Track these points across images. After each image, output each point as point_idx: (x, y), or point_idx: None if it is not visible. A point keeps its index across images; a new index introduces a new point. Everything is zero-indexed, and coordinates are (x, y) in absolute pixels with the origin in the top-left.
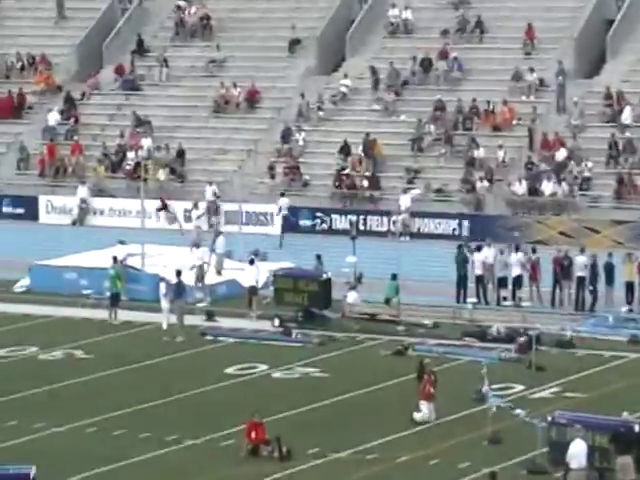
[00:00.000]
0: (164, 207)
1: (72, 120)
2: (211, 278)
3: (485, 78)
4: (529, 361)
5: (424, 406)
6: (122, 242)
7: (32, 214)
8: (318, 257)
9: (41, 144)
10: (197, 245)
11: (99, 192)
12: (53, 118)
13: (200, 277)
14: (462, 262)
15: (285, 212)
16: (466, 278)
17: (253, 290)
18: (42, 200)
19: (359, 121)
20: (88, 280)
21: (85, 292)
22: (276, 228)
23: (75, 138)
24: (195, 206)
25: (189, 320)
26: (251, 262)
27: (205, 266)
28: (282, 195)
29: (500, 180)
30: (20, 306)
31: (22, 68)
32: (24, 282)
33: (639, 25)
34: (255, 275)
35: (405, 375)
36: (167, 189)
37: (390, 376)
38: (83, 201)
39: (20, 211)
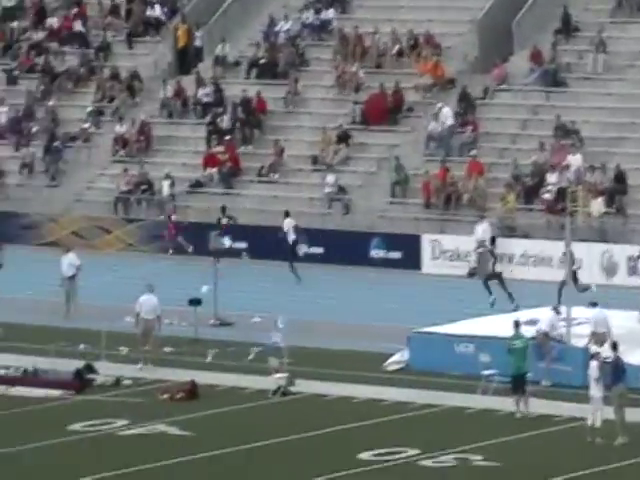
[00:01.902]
0: None
1: (469, 128)
2: None
3: None
4: None
5: None
6: (556, 309)
7: (412, 260)
8: None
9: (425, 161)
10: None
11: (507, 231)
12: (442, 123)
13: None
14: None
15: None
16: None
17: None
18: (426, 241)
19: None
20: (490, 355)
21: (486, 373)
22: None
23: (473, 153)
24: None
25: (632, 414)
26: None
27: None
28: None
29: None
30: (393, 390)
31: (400, 54)
32: (400, 357)
33: None
34: None
35: None
36: (602, 228)
37: None
38: (483, 243)
39: (395, 255)
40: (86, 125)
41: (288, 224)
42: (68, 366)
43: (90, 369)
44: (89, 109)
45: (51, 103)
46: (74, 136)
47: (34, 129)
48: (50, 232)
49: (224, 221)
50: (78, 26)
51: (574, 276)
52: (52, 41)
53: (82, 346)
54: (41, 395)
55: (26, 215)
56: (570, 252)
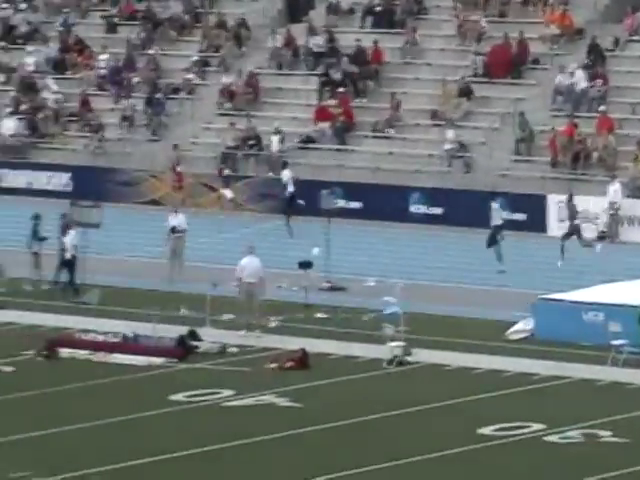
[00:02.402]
0: None
1: (598, 82)
2: None
3: None
4: None
5: None
6: None
7: (537, 222)
8: None
9: (551, 117)
10: None
11: (637, 192)
12: (574, 76)
13: None
14: None
15: None
16: None
17: None
18: (552, 202)
19: None
20: (620, 324)
21: (616, 343)
22: None
23: (602, 109)
24: None
25: None
26: None
27: None
28: None
29: None
30: (517, 360)
31: (525, 2)
32: (524, 325)
33: None
34: None
35: None
36: None
37: None
38: (613, 205)
39: (520, 217)
40: (190, 76)
41: (286, 175)
42: (170, 332)
43: (194, 336)
44: (193, 59)
45: (153, 52)
46: (177, 87)
47: (135, 80)
48: (151, 189)
49: None
50: None
51: (578, 231)
52: None
53: (183, 310)
54: (142, 363)
55: (125, 171)
56: (572, 205)
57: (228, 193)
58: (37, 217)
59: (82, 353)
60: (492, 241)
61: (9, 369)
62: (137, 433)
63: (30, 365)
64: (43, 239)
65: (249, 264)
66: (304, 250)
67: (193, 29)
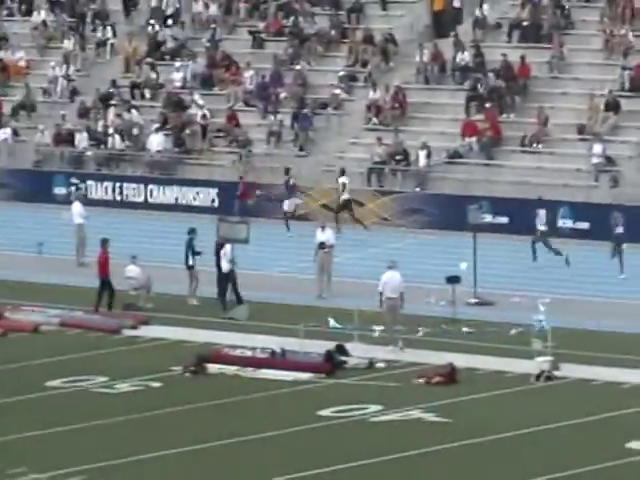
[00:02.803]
0: None
1: None
2: None
3: None
4: None
5: None
6: None
7: None
8: None
9: None
10: None
11: None
12: None
13: None
14: None
15: None
16: None
17: None
18: None
19: None
20: None
21: None
22: None
23: None
24: None
25: None
26: None
27: None
28: None
29: None
30: None
31: None
32: None
33: None
34: None
35: None
36: None
37: None
38: None
39: None
40: (337, 91)
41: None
42: (318, 347)
43: (342, 351)
44: (340, 74)
45: (300, 67)
46: (324, 103)
47: (282, 95)
48: (299, 205)
49: None
50: None
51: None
52: (301, 2)
53: (331, 321)
54: (289, 378)
55: (273, 186)
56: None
57: (292, 203)
58: (193, 231)
59: (230, 369)
60: (616, 251)
61: (157, 385)
62: (286, 449)
63: (178, 381)
64: (198, 254)
65: (391, 279)
66: (452, 265)
67: (340, 44)
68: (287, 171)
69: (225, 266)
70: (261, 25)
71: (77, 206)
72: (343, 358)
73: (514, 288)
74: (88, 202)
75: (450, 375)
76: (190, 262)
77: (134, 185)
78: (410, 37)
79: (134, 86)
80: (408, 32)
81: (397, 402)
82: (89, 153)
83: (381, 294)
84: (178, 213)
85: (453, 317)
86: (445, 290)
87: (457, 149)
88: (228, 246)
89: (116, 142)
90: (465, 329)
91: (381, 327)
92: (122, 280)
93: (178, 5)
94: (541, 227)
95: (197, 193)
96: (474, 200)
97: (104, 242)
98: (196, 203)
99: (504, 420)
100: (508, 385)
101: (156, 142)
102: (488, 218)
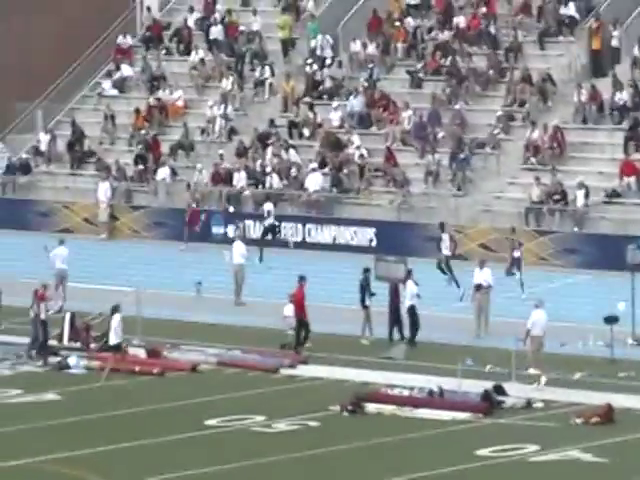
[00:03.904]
0: None
1: None
2: None
3: None
4: None
5: None
6: None
7: None
8: None
9: None
10: None
11: None
12: None
13: None
14: None
15: None
16: None
17: None
18: None
19: None
20: None
21: None
22: None
23: None
24: None
25: None
26: None
27: None
28: None
29: None
30: None
31: None
32: None
33: None
34: None
35: None
36: None
37: None
38: None
39: None
40: (495, 131)
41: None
42: (476, 387)
43: (499, 390)
44: (498, 113)
45: (458, 107)
46: (482, 142)
47: (440, 135)
48: (457, 244)
49: None
50: (487, 25)
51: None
52: (459, 41)
53: (489, 366)
54: (447, 418)
55: (431, 226)
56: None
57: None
58: (367, 271)
59: (388, 408)
60: None
61: (315, 424)
62: None
63: (336, 420)
64: (373, 294)
65: (540, 318)
66: (610, 305)
67: (498, 84)
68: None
69: (407, 303)
70: (419, 65)
71: (238, 245)
72: (501, 398)
73: None
74: (246, 242)
75: (607, 415)
76: (367, 302)
77: (292, 224)
78: (568, 76)
79: (292, 125)
80: (566, 71)
81: (555, 442)
82: (247, 192)
83: (528, 332)
84: (335, 252)
85: (611, 357)
86: (603, 330)
87: (615, 188)
88: (409, 282)
89: (274, 181)
90: (622, 374)
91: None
92: (280, 319)
93: (335, 45)
94: None
95: (354, 232)
96: (632, 240)
97: (301, 279)
98: (354, 243)
99: None
100: None
101: (314, 181)
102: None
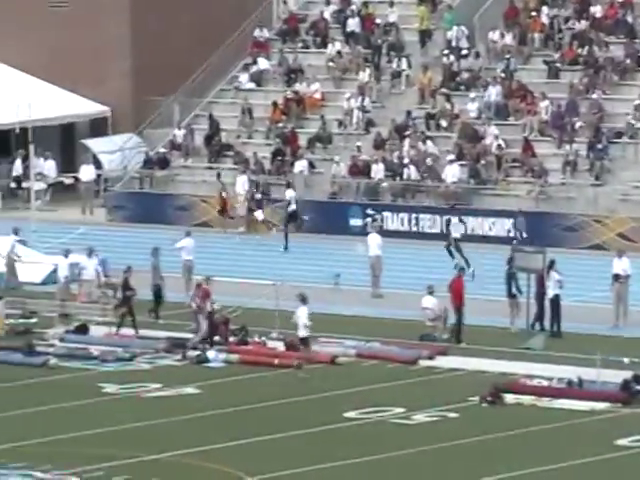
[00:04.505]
0: None
1: None
2: None
3: None
4: None
5: None
6: None
7: None
8: None
9: None
10: None
11: None
12: None
13: None
14: None
15: None
16: None
17: None
18: None
19: None
20: None
21: None
22: None
23: None
24: None
25: None
26: None
27: None
28: None
29: None
30: None
31: None
32: None
33: None
34: None
35: None
36: None
37: None
38: None
39: None
40: (633, 120)
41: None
42: (615, 377)
43: (639, 380)
44: (636, 102)
45: (595, 96)
46: (620, 132)
47: (578, 124)
48: (596, 234)
49: None
50: (624, 14)
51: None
52: (596, 31)
53: (626, 359)
54: (586, 408)
55: (569, 216)
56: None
57: (259, 215)
58: (512, 260)
59: (527, 399)
60: None
61: (454, 415)
62: (584, 479)
63: (475, 411)
64: (520, 292)
65: None
66: None
67: (635, 73)
68: None
69: (551, 293)
70: (556, 55)
71: (374, 237)
72: None
73: None
74: (384, 233)
75: None
76: (513, 291)
77: (429, 216)
78: None
79: (429, 117)
80: None
81: None
82: (385, 184)
83: None
84: (474, 244)
85: None
86: None
87: None
88: (552, 273)
89: (412, 173)
90: None
91: None
92: (419, 311)
93: (471, 36)
94: None
95: (493, 223)
96: None
97: (461, 269)
98: (492, 233)
99: None
100: None
101: (451, 173)
102: None
